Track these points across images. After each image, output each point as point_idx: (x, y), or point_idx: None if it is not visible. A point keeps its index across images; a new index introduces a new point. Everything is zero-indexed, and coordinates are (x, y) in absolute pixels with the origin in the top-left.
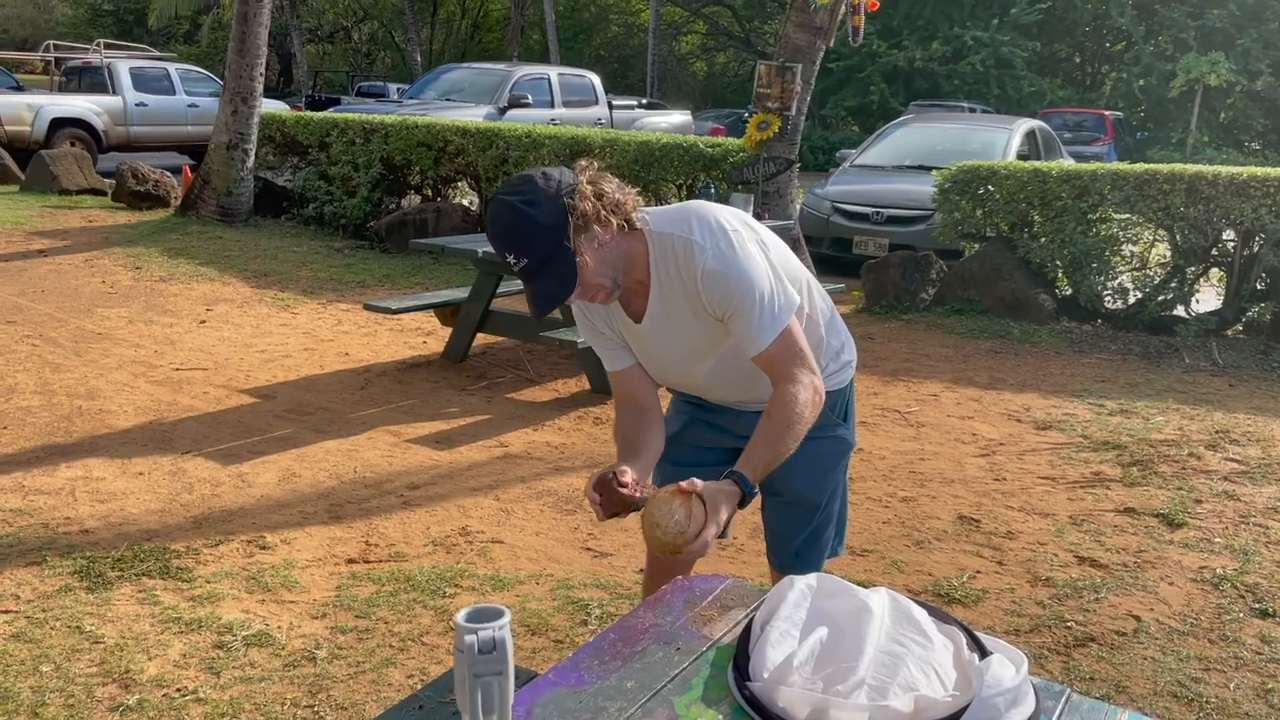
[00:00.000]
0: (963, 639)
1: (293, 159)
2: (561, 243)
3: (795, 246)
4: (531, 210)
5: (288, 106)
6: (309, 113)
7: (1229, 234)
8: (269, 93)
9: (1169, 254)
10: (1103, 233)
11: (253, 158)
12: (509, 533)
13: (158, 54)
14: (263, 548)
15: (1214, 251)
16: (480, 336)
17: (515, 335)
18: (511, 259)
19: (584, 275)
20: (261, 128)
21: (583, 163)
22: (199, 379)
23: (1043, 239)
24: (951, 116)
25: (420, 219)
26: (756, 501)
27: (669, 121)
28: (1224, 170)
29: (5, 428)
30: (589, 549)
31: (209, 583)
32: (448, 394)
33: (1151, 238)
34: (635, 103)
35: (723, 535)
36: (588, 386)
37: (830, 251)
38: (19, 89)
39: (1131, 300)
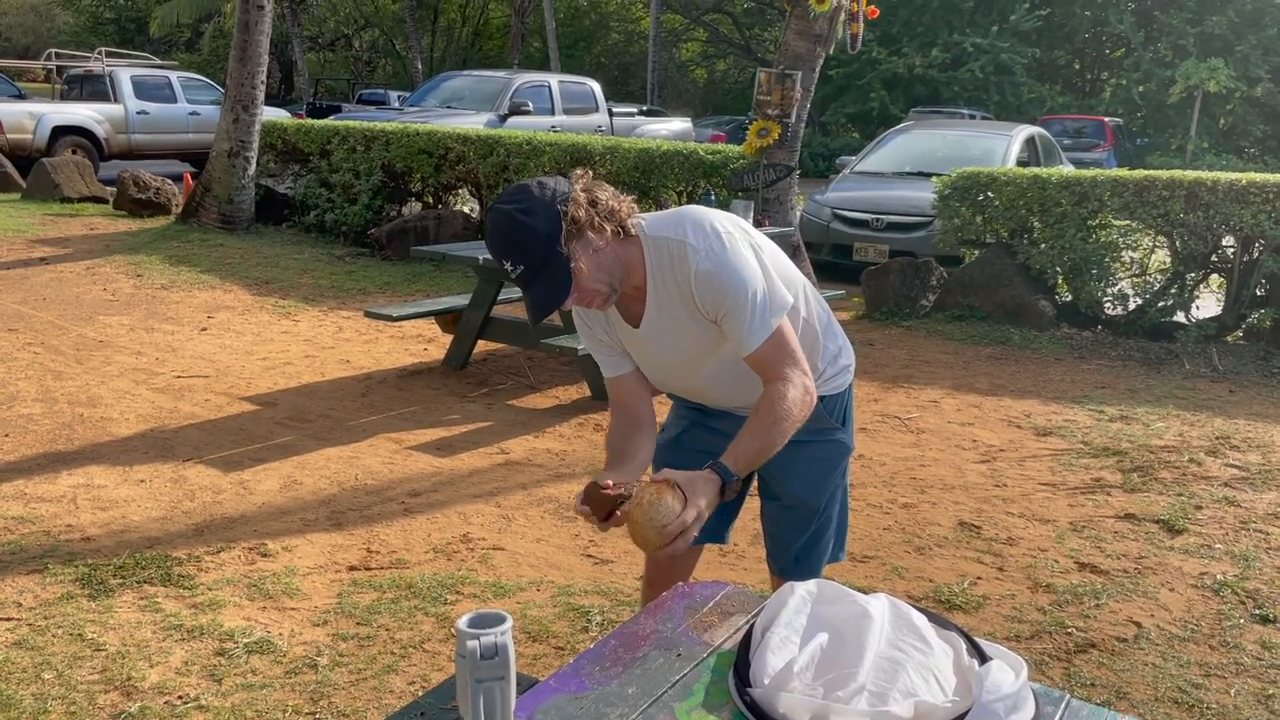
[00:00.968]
0: (963, 644)
1: (294, 166)
2: (556, 249)
3: (795, 253)
4: (526, 218)
5: (289, 114)
6: (310, 120)
7: (1229, 240)
8: (270, 100)
9: (1169, 260)
10: (1102, 239)
11: (254, 165)
12: (510, 539)
13: (159, 62)
14: (264, 555)
15: (1214, 258)
16: (481, 343)
17: (516, 342)
18: (508, 266)
19: (579, 281)
20: (263, 135)
21: (578, 171)
22: (200, 386)
23: (1043, 245)
24: (951, 123)
25: (421, 226)
26: (757, 507)
27: (669, 128)
28: (1223, 176)
29: (7, 435)
30: (590, 556)
31: (210, 590)
32: (449, 401)
33: (1151, 244)
34: (635, 110)
35: (723, 541)
36: (588, 393)
37: (830, 258)
38: (21, 97)
39: (1132, 306)
